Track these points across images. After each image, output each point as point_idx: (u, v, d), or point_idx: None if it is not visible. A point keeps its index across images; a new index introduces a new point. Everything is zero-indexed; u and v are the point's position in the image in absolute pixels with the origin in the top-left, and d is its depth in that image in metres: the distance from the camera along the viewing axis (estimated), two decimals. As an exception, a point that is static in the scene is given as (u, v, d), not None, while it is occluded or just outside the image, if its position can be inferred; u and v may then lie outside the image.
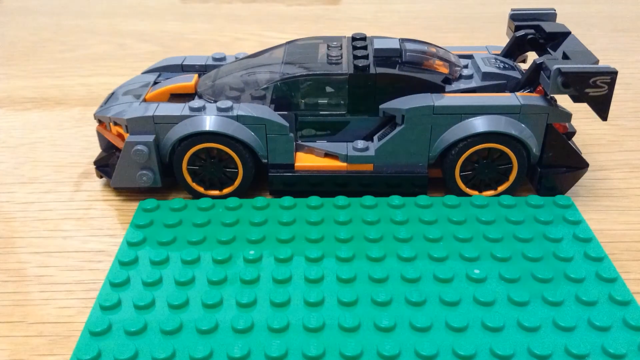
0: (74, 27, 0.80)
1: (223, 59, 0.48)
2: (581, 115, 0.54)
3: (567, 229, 0.37)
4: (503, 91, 0.41)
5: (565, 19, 0.80)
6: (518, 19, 0.46)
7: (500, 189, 0.41)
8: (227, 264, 0.35)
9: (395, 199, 0.40)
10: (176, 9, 0.88)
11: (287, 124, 0.40)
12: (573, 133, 0.43)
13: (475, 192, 0.41)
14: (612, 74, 0.37)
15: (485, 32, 0.75)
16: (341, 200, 0.40)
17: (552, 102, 0.39)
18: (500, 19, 0.80)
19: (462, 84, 0.41)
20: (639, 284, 0.35)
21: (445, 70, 0.42)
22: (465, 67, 0.43)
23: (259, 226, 0.38)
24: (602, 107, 0.38)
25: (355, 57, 0.41)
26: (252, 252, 0.35)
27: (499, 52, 0.46)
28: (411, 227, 0.38)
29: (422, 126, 0.39)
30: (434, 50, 0.43)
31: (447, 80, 0.41)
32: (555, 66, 0.37)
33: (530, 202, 0.39)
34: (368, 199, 0.40)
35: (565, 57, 0.40)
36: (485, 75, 0.41)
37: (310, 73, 0.41)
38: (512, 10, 0.47)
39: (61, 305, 0.34)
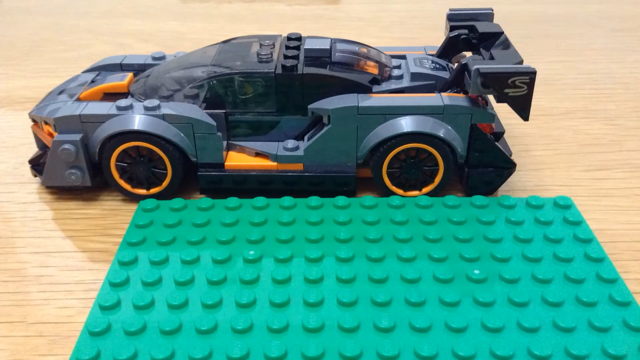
0: (74, 27, 0.80)
1: (162, 57, 0.48)
2: (581, 115, 0.54)
3: (567, 229, 0.37)
4: (433, 91, 0.41)
5: (565, 19, 0.80)
6: (454, 19, 0.46)
7: (427, 189, 0.41)
8: (226, 264, 0.35)
9: (395, 200, 0.40)
10: (176, 9, 0.88)
11: (214, 123, 0.40)
12: (502, 133, 0.43)
13: (400, 191, 0.41)
14: (531, 74, 0.37)
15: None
16: (341, 200, 0.40)
17: (476, 103, 0.39)
18: (501, 19, 0.80)
19: (393, 84, 0.41)
20: (639, 284, 0.35)
21: (374, 71, 0.42)
22: (397, 67, 0.43)
23: (259, 226, 0.38)
24: (522, 107, 0.38)
25: (285, 57, 0.41)
26: (251, 252, 0.35)
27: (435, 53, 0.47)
28: (411, 227, 0.37)
29: (347, 126, 0.39)
30: (364, 50, 0.44)
31: (376, 80, 0.41)
32: (475, 67, 0.37)
33: (530, 203, 0.39)
34: (368, 199, 0.40)
35: (491, 57, 0.40)
36: (414, 76, 0.41)
37: (236, 71, 0.41)
38: (450, 10, 0.47)
39: (61, 305, 0.34)
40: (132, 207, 0.42)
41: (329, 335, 0.30)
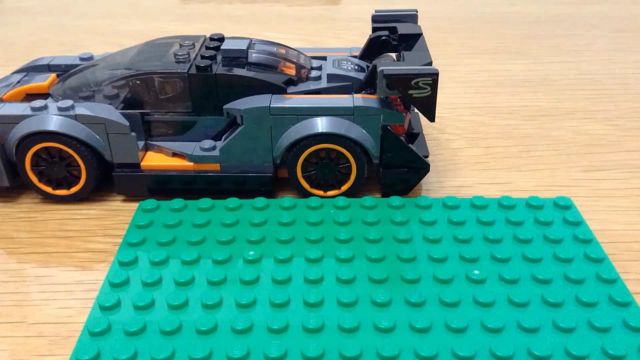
0: (74, 27, 0.80)
1: (90, 58, 0.48)
2: (581, 115, 0.54)
3: (567, 229, 0.37)
4: (349, 93, 0.41)
5: (565, 20, 0.80)
6: (378, 20, 0.47)
7: (341, 189, 0.41)
8: (226, 264, 0.35)
9: (395, 200, 0.40)
10: (176, 10, 0.88)
11: (127, 123, 0.40)
12: (417, 134, 0.43)
13: (320, 192, 0.41)
14: (433, 76, 0.37)
15: (484, 32, 0.76)
16: (341, 200, 0.40)
17: (386, 104, 0.39)
18: (501, 19, 0.80)
19: (311, 85, 0.42)
20: (639, 284, 0.35)
21: (291, 72, 0.42)
22: (317, 69, 0.44)
23: (259, 227, 0.38)
24: (427, 109, 0.38)
25: (202, 57, 0.42)
26: (251, 252, 0.35)
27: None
28: (411, 227, 0.38)
29: (260, 126, 0.40)
30: (282, 51, 0.44)
31: (292, 81, 0.42)
32: (380, 68, 0.37)
33: (530, 203, 0.39)
34: (368, 200, 0.40)
35: (402, 58, 0.40)
36: (331, 77, 0.42)
37: (151, 71, 0.41)
38: (376, 11, 0.47)
39: (61, 306, 0.34)
40: (132, 208, 0.42)
41: (329, 335, 0.30)
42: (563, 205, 0.39)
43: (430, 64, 0.39)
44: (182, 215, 0.39)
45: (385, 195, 0.41)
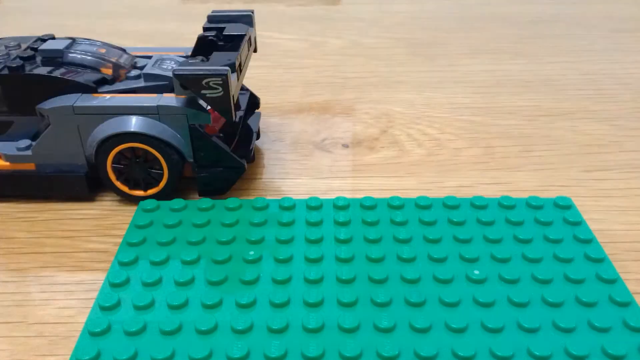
0: (74, 27, 0.80)
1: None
2: (581, 115, 0.54)
3: (567, 229, 0.37)
4: (167, 92, 0.41)
5: (565, 20, 0.80)
6: (212, 20, 0.47)
7: (154, 189, 0.41)
8: (226, 264, 0.35)
9: (396, 200, 0.40)
10: (176, 9, 0.88)
11: None
12: (234, 134, 0.44)
13: (136, 192, 0.42)
14: (222, 76, 0.37)
15: (485, 32, 0.76)
16: (341, 200, 0.40)
17: (192, 104, 0.40)
18: (500, 19, 0.80)
19: (129, 84, 0.42)
20: (639, 284, 0.35)
21: (108, 72, 0.42)
22: (139, 68, 0.44)
23: (259, 227, 0.38)
24: (222, 108, 0.38)
25: (20, 58, 0.42)
26: (251, 252, 0.35)
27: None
28: (411, 227, 0.38)
29: (67, 126, 0.40)
30: (103, 51, 0.44)
31: (106, 81, 0.42)
32: (174, 69, 0.38)
33: (530, 203, 0.39)
34: (368, 200, 0.40)
35: (206, 59, 0.40)
36: (147, 77, 0.42)
37: None
38: (212, 11, 0.47)
39: (61, 306, 0.34)
40: (132, 208, 0.42)
41: (329, 335, 0.30)
42: (563, 205, 0.39)
43: (232, 64, 0.39)
44: (182, 215, 0.39)
45: (201, 194, 0.42)
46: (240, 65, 0.41)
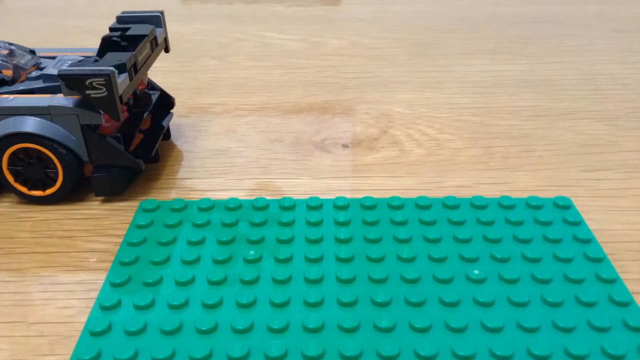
0: (75, 28, 0.80)
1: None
2: (580, 115, 0.54)
3: (566, 229, 0.37)
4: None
5: (565, 20, 0.80)
6: (121, 21, 0.47)
7: (51, 189, 0.42)
8: (227, 264, 0.35)
9: (395, 200, 0.40)
10: (177, 10, 0.88)
11: None
12: (132, 134, 0.44)
13: (35, 192, 0.42)
14: (105, 76, 0.37)
15: (484, 32, 0.76)
16: (341, 200, 0.40)
17: (84, 104, 0.40)
18: (500, 19, 0.80)
19: (29, 85, 0.42)
20: (639, 284, 0.35)
21: (8, 73, 0.43)
22: (41, 69, 0.44)
23: (259, 226, 0.38)
24: (107, 108, 0.38)
25: None
26: (252, 252, 0.36)
27: None
28: (411, 227, 0.38)
29: None
30: (5, 52, 0.44)
31: (6, 82, 0.42)
32: (59, 69, 0.38)
33: (530, 203, 0.39)
34: (368, 200, 0.40)
35: (98, 60, 0.41)
36: (46, 78, 0.43)
37: None
38: (122, 12, 0.48)
39: (61, 306, 0.34)
40: (133, 208, 0.42)
41: (329, 335, 0.30)
42: (562, 205, 0.39)
43: (122, 65, 0.39)
44: (183, 215, 0.39)
45: (98, 195, 0.42)
46: (135, 65, 0.41)
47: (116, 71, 0.38)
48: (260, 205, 0.40)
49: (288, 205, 0.40)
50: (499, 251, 0.35)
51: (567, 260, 0.35)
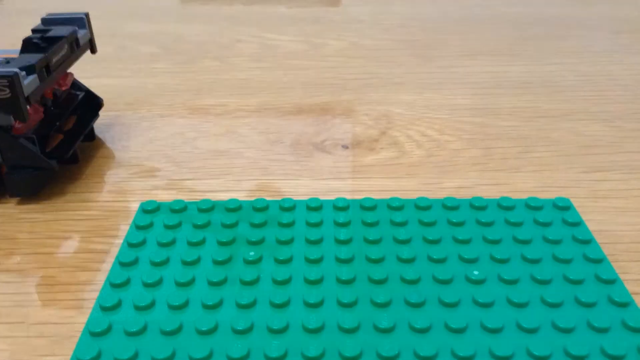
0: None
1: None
2: (580, 116, 0.54)
3: (566, 230, 0.37)
4: None
5: (565, 21, 0.80)
6: (45, 22, 0.47)
7: None
8: (227, 265, 0.35)
9: (395, 201, 0.40)
10: (177, 11, 0.88)
11: None
12: (47, 135, 0.44)
13: None
14: (10, 78, 0.37)
15: (484, 34, 0.76)
16: (341, 201, 0.40)
17: None
18: (500, 20, 0.80)
19: None
20: (638, 284, 0.35)
21: None
22: None
23: (259, 227, 0.38)
24: (12, 110, 0.38)
25: None
26: (252, 253, 0.36)
27: None
28: (410, 228, 0.38)
29: None
30: None
31: None
32: None
33: (529, 204, 0.39)
34: (368, 201, 0.40)
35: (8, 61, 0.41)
36: None
37: None
38: (46, 14, 0.48)
39: (62, 306, 0.34)
40: (133, 208, 0.42)
41: (329, 335, 0.30)
42: (562, 206, 0.39)
43: (30, 66, 0.39)
44: (183, 215, 0.39)
45: (11, 196, 0.42)
46: (48, 66, 0.41)
47: (22, 73, 0.38)
48: (260, 206, 0.40)
49: (288, 206, 0.40)
50: (499, 252, 0.35)
51: (567, 261, 0.35)
